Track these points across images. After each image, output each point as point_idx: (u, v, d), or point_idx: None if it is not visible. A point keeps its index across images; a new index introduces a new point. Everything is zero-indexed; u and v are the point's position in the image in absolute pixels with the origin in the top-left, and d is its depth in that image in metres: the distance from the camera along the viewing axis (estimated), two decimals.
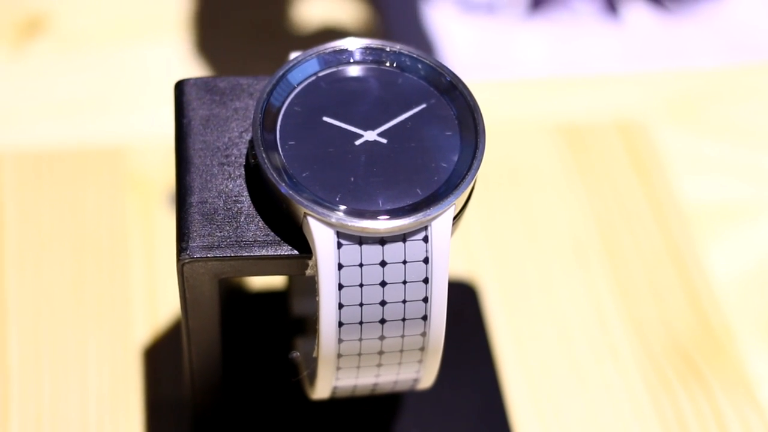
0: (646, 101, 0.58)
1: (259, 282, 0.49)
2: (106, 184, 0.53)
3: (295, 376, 0.42)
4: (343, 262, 0.35)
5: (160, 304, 0.49)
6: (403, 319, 0.36)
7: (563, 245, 0.52)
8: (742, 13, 0.62)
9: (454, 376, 0.46)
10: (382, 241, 0.35)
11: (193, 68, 0.57)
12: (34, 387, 0.47)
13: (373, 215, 0.35)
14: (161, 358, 0.48)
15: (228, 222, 0.36)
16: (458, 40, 0.60)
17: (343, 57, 0.38)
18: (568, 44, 0.60)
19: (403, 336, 0.36)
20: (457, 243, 0.51)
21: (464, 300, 0.49)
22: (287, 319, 0.45)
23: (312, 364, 0.38)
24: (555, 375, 0.48)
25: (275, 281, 0.48)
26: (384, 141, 0.37)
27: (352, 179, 0.36)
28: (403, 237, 0.35)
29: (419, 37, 0.60)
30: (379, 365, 0.37)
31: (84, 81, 0.57)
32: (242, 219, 0.36)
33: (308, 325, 0.43)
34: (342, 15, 0.61)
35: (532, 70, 0.59)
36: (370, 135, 0.37)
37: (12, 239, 0.51)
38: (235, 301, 0.46)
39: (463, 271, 0.51)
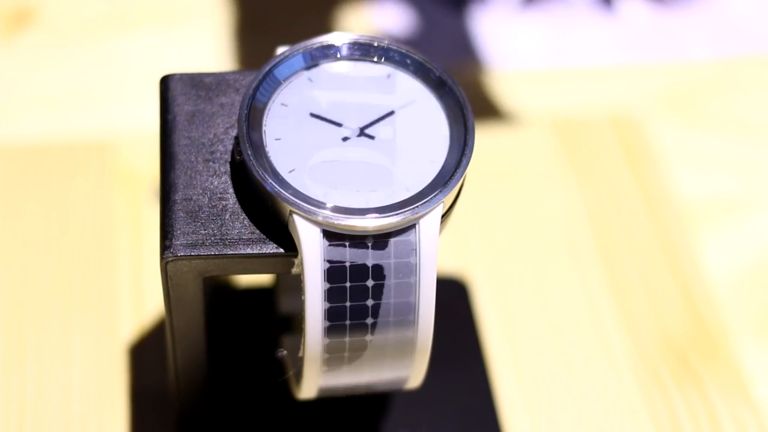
0: (640, 95, 0.58)
1: (247, 279, 0.48)
2: (93, 178, 0.52)
3: (281, 374, 0.42)
4: (329, 261, 0.35)
5: (146, 298, 0.49)
6: (391, 319, 0.36)
7: (556, 241, 0.52)
8: (736, 5, 0.62)
9: (444, 375, 0.45)
10: (369, 239, 0.35)
11: (182, 62, 0.57)
12: (18, 381, 0.46)
13: (360, 213, 0.35)
14: (147, 353, 0.47)
15: (213, 219, 0.36)
16: (451, 32, 0.60)
17: (330, 52, 0.38)
18: (562, 37, 0.60)
19: (390, 335, 0.36)
20: (448, 239, 0.51)
21: (455, 297, 0.49)
22: (274, 317, 0.45)
23: (298, 363, 0.37)
24: (547, 373, 0.48)
25: (263, 278, 0.48)
26: (372, 137, 0.36)
27: (339, 176, 0.36)
28: (390, 235, 0.35)
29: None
30: (366, 365, 0.37)
31: (72, 74, 0.57)
32: (227, 216, 0.36)
33: (296, 323, 0.43)
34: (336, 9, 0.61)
35: (525, 62, 0.59)
36: (358, 131, 0.36)
37: None
38: (221, 298, 0.45)
39: (454, 267, 0.50)
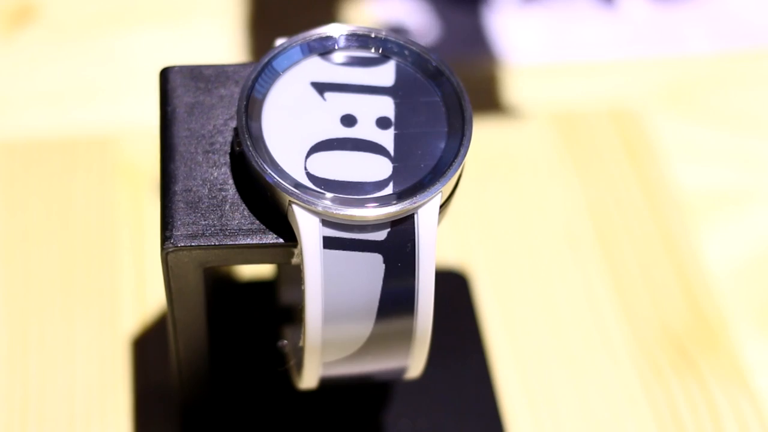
0: (640, 88, 0.58)
1: (248, 271, 0.49)
2: (95, 173, 0.53)
3: (282, 365, 0.42)
4: (328, 250, 0.35)
5: (148, 292, 0.49)
6: (390, 308, 0.36)
7: (556, 233, 0.52)
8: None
9: (444, 366, 0.46)
10: (368, 228, 0.35)
11: (184, 57, 0.57)
12: (21, 376, 0.47)
13: (359, 203, 0.35)
14: (149, 347, 0.47)
15: (213, 210, 0.36)
16: (452, 25, 0.60)
17: (328, 43, 0.38)
18: (563, 31, 0.60)
19: (390, 325, 0.36)
20: (448, 231, 0.51)
21: (456, 289, 0.49)
22: (276, 308, 0.45)
23: (299, 353, 0.37)
24: (547, 364, 0.48)
25: (265, 269, 0.48)
26: (370, 128, 0.36)
27: (338, 167, 0.36)
28: (389, 224, 0.35)
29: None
30: (366, 354, 0.37)
31: (73, 69, 0.57)
32: (227, 207, 0.36)
33: (296, 314, 0.43)
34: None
35: (526, 56, 0.59)
36: (357, 121, 0.37)
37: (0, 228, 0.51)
38: (223, 290, 0.45)
39: (454, 259, 0.51)
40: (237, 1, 0.60)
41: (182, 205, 0.36)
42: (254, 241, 0.36)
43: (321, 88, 0.37)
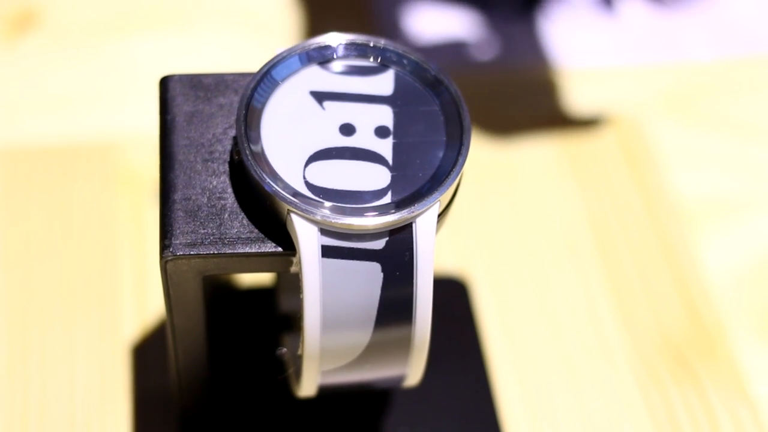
0: (640, 95, 0.58)
1: (248, 279, 0.49)
2: (96, 180, 0.53)
3: (281, 373, 0.42)
4: (326, 259, 0.35)
5: (148, 299, 0.49)
6: (388, 316, 0.36)
7: (555, 241, 0.52)
8: (736, 6, 0.62)
9: (443, 373, 0.46)
10: (366, 237, 0.35)
11: (185, 65, 0.57)
12: (21, 381, 0.47)
13: (357, 212, 0.35)
14: (149, 353, 0.47)
15: (212, 219, 0.36)
16: (452, 33, 0.60)
17: (327, 53, 0.38)
18: (563, 38, 0.60)
19: (388, 333, 0.36)
20: (447, 238, 0.51)
21: (455, 296, 0.49)
22: (275, 316, 0.45)
23: (297, 361, 0.38)
24: (546, 371, 0.48)
25: (264, 277, 0.48)
26: (369, 137, 0.37)
27: (337, 176, 0.36)
28: (387, 233, 0.35)
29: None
30: (365, 362, 0.37)
31: (75, 76, 0.57)
32: (226, 216, 0.36)
33: (295, 322, 0.43)
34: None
35: (526, 63, 0.59)
36: (355, 131, 0.37)
37: (1, 234, 0.51)
38: (222, 297, 0.45)
39: (453, 266, 0.51)
40: (239, 6, 0.60)
41: (181, 213, 0.36)
42: (253, 250, 0.36)
43: (320, 97, 0.37)
